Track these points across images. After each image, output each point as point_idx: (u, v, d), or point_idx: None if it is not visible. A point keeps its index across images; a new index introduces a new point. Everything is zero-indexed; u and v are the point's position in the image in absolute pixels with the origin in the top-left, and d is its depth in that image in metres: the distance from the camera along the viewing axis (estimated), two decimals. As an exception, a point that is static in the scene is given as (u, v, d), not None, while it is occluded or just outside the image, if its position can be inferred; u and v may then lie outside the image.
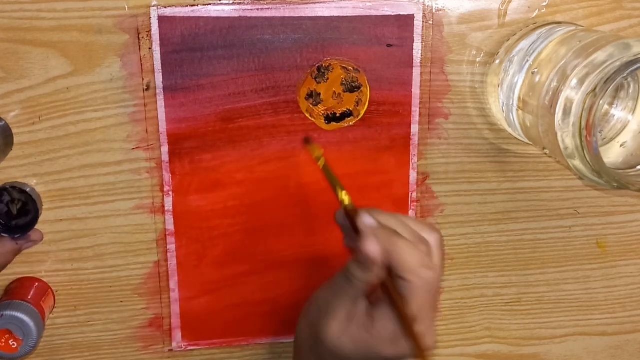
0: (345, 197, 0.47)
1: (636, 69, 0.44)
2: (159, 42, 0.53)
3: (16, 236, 0.55)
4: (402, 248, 0.44)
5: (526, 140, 0.56)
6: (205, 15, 0.53)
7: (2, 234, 0.55)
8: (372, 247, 0.44)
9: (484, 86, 0.58)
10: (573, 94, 0.46)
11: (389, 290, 0.45)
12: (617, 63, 0.45)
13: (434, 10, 0.56)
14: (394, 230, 0.46)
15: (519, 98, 0.53)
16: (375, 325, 0.46)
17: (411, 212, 0.61)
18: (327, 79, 0.56)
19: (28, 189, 0.55)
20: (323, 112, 0.57)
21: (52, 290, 0.58)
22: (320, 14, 0.55)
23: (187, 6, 0.53)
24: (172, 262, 0.59)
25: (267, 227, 0.59)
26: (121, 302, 0.59)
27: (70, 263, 0.58)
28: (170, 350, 0.61)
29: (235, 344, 0.62)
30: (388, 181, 0.60)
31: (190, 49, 0.54)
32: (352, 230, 0.46)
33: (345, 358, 0.47)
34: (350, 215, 0.47)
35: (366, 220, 0.46)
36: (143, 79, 0.54)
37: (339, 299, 0.46)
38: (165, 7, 0.53)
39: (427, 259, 0.45)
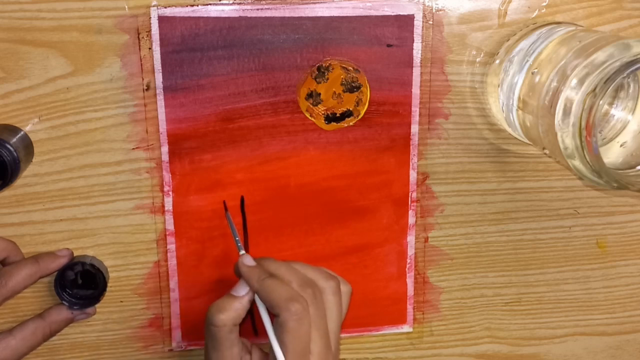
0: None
1: (636, 69, 0.44)
2: (159, 42, 0.53)
3: (75, 307, 0.57)
4: (269, 285, 0.49)
5: (526, 140, 0.56)
6: (205, 15, 0.53)
7: (63, 302, 0.56)
8: (240, 287, 0.50)
9: (484, 86, 0.58)
10: (573, 94, 0.46)
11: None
12: (617, 63, 0.45)
13: (434, 10, 0.56)
14: (270, 273, 0.50)
15: (519, 98, 0.53)
16: None
17: (411, 212, 0.61)
18: (327, 79, 0.56)
19: (103, 270, 0.57)
20: (323, 112, 0.57)
21: None
22: (320, 14, 0.55)
23: (187, 6, 0.53)
24: (172, 262, 0.59)
25: (267, 227, 0.59)
26: (121, 302, 0.59)
27: (70, 263, 0.58)
28: (170, 350, 0.61)
29: (235, 344, 0.62)
30: (388, 181, 0.60)
31: (190, 49, 0.54)
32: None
33: None
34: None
35: (245, 260, 0.51)
36: (143, 79, 0.54)
37: (214, 349, 0.49)
38: (165, 7, 0.53)
39: (296, 294, 0.48)
